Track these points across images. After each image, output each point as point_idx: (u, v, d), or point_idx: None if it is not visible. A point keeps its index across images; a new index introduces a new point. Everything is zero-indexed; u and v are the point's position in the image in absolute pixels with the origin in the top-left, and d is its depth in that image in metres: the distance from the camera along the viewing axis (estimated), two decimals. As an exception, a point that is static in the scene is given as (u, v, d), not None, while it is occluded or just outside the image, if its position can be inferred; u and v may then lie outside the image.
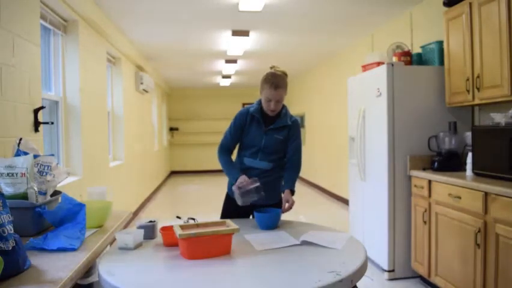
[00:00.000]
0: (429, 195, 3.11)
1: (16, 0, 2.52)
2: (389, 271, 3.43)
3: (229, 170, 2.41)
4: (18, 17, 2.53)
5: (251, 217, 2.49)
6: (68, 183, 3.30)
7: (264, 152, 2.41)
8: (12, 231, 1.35)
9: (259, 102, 2.44)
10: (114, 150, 5.61)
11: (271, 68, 2.41)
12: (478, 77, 2.91)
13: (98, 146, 4.44)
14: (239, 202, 2.25)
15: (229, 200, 2.55)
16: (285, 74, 2.38)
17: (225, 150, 2.48)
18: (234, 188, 2.26)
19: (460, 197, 2.72)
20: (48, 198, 1.88)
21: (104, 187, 2.23)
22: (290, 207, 2.31)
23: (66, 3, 3.41)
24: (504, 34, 2.62)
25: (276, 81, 2.30)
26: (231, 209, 2.48)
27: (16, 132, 2.45)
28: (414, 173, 3.34)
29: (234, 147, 2.52)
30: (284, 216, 2.29)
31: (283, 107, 2.46)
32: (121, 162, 5.59)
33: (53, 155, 2.05)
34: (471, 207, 2.60)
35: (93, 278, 1.83)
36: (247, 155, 2.45)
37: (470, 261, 2.61)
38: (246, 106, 2.51)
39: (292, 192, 2.37)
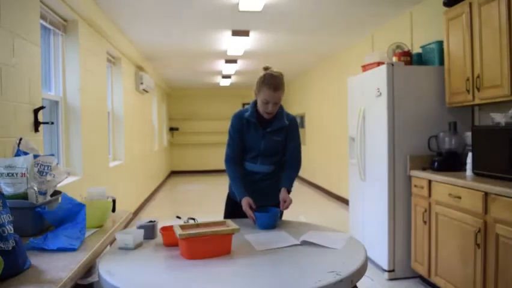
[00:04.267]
0: (430, 195, 3.11)
1: (16, 0, 2.52)
2: (389, 271, 3.43)
3: (235, 186, 2.34)
4: (18, 17, 2.53)
5: None
6: (68, 183, 3.30)
7: (263, 155, 2.36)
8: (12, 231, 1.35)
9: (253, 105, 2.36)
10: (114, 150, 5.60)
11: (265, 69, 2.32)
12: (478, 77, 2.91)
13: (98, 146, 4.44)
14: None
15: (230, 200, 2.54)
16: (282, 75, 2.30)
17: (232, 163, 2.40)
18: (244, 209, 2.22)
19: (460, 197, 2.72)
20: (48, 198, 1.88)
21: (104, 187, 2.23)
22: (287, 207, 2.28)
23: (66, 3, 3.41)
24: (504, 34, 2.62)
25: (275, 82, 2.22)
26: (233, 209, 2.45)
27: (16, 132, 2.45)
28: (414, 173, 3.33)
29: (241, 155, 2.42)
30: (284, 216, 2.28)
31: (280, 106, 2.37)
32: (121, 162, 5.59)
33: (53, 155, 2.05)
34: (471, 207, 2.60)
35: (93, 278, 1.83)
36: (247, 159, 2.41)
37: (470, 261, 2.61)
38: (240, 110, 2.43)
39: (289, 192, 2.33)
